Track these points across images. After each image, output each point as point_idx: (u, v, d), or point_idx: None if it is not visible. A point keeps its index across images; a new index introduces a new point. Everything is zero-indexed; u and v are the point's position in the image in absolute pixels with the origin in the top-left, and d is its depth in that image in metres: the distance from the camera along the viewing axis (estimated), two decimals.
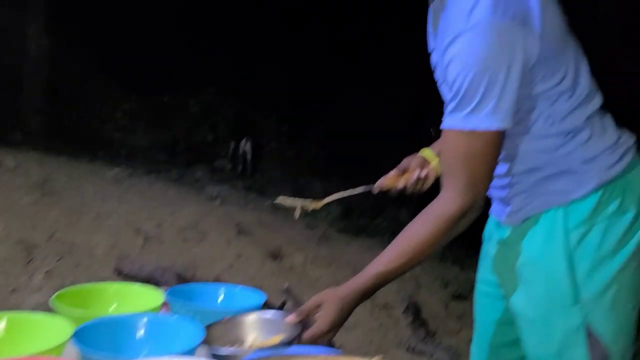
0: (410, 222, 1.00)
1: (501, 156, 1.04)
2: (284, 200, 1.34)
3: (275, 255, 3.14)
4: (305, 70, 6.49)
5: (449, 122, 0.96)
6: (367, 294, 0.99)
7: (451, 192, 0.97)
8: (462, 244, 4.44)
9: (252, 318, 1.02)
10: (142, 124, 5.91)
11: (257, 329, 1.00)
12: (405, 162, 1.22)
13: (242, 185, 4.84)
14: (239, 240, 3.13)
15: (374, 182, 1.27)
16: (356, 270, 3.18)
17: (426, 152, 1.22)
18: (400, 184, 1.21)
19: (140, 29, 5.96)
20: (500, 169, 1.07)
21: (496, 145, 0.95)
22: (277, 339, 0.97)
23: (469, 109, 0.93)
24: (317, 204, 1.30)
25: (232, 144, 5.69)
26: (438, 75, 1.02)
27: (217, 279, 2.73)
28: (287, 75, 6.50)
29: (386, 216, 5.09)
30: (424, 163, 1.20)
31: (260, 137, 6.00)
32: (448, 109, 0.96)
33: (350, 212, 4.78)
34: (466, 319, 3.04)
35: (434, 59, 1.03)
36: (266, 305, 1.20)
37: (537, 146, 1.03)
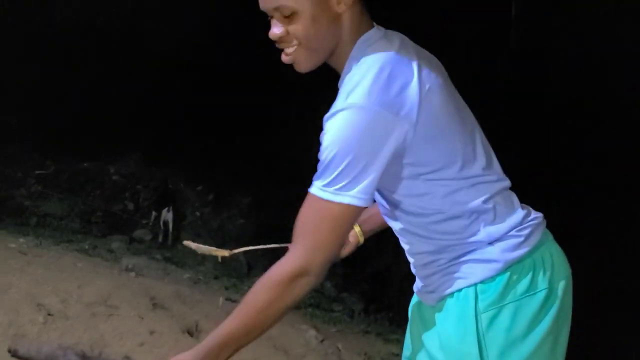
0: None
1: (414, 236, 1.05)
2: (190, 244, 1.34)
3: (191, 332, 2.98)
4: (232, 140, 6.49)
5: (311, 187, 1.00)
6: (211, 356, 1.00)
7: (289, 255, 1.00)
8: (387, 316, 4.42)
9: None
10: (57, 191, 5.62)
11: None
12: None
13: (161, 257, 4.64)
14: (153, 315, 2.95)
15: None
16: (277, 345, 3.06)
17: None
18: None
19: (58, 90, 5.81)
20: (415, 248, 1.05)
21: (346, 220, 0.99)
22: None
23: (327, 180, 0.97)
24: (226, 253, 1.32)
25: (154, 214, 5.50)
26: None
27: (126, 358, 2.54)
28: (214, 144, 6.47)
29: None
30: None
31: (184, 206, 5.85)
32: (315, 175, 1.00)
33: None
34: None
35: None
36: None
37: (443, 228, 1.04)
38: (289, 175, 6.31)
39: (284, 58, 1.06)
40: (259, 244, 1.55)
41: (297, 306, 4.43)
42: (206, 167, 6.34)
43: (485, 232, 1.02)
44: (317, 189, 0.99)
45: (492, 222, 1.02)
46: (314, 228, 0.99)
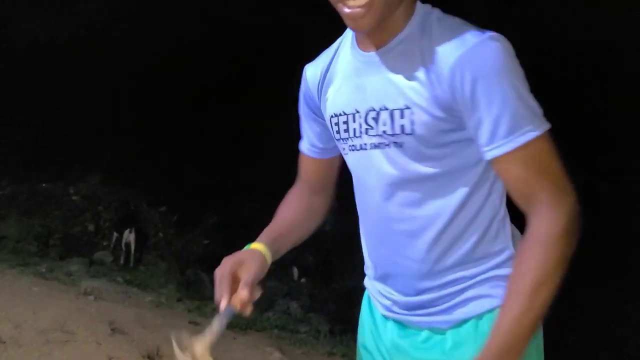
0: (516, 263, 0.86)
1: (455, 225, 0.92)
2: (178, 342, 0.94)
3: (152, 357, 2.88)
4: (196, 160, 6.42)
5: (510, 143, 0.84)
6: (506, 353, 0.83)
7: (549, 214, 0.84)
8: (352, 337, 4.40)
9: None
10: (14, 213, 5.44)
11: None
12: (251, 271, 0.97)
13: (122, 280, 4.52)
14: (112, 340, 2.85)
15: None
16: None
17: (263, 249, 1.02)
18: (257, 295, 0.99)
19: (16, 109, 5.65)
20: (447, 249, 0.92)
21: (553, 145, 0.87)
22: None
23: (528, 115, 0.84)
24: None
25: (115, 235, 5.37)
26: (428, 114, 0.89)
27: None
28: (178, 164, 6.39)
29: (276, 310, 4.95)
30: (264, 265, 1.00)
31: (146, 227, 5.73)
32: (501, 129, 0.84)
33: None
34: None
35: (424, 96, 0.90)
36: None
37: (489, 213, 0.94)
38: (254, 194, 6.28)
39: (350, 12, 0.88)
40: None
41: (263, 327, 4.33)
42: (169, 188, 6.25)
43: (512, 241, 0.93)
44: (530, 132, 0.84)
45: (512, 233, 0.94)
46: (548, 171, 0.85)
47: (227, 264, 0.96)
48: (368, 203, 0.99)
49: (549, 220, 0.84)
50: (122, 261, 5.19)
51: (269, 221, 1.13)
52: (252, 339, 3.72)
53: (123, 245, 5.26)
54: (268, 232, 1.06)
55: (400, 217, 0.94)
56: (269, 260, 1.00)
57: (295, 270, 5.66)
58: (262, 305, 4.99)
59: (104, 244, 5.48)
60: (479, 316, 0.91)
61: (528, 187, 0.86)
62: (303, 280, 5.59)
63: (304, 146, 1.10)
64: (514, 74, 0.84)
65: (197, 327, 3.62)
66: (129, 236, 5.27)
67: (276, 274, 5.82)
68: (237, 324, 4.12)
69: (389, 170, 0.93)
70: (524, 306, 0.82)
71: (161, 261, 5.46)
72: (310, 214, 1.12)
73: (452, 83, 0.85)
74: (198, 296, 4.69)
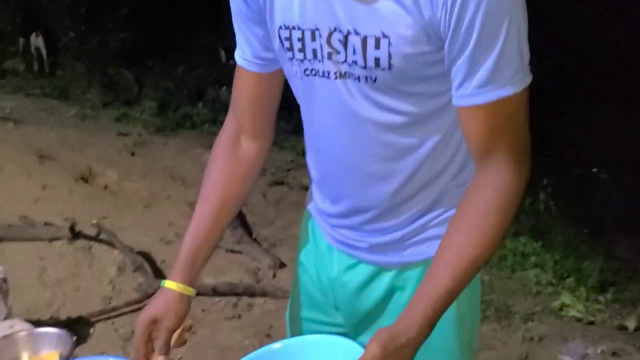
0: (469, 205, 0.77)
1: (438, 158, 0.82)
2: None
3: (86, 178, 3.04)
4: None
5: (482, 95, 0.72)
6: (425, 328, 0.74)
7: (505, 172, 0.76)
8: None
9: (24, 334, 1.06)
10: None
11: (30, 345, 1.05)
12: (166, 330, 0.85)
13: (40, 92, 4.41)
14: (42, 169, 2.96)
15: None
16: (173, 178, 3.21)
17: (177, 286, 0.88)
18: (182, 343, 0.89)
19: None
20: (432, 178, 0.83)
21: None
22: (53, 355, 1.03)
23: (514, 64, 0.72)
24: None
25: (22, 40, 5.05)
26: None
27: (24, 218, 2.62)
28: None
29: (206, 100, 5.00)
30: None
31: (54, 28, 5.37)
32: (478, 76, 0.72)
33: (167, 105, 4.62)
34: (283, 205, 3.25)
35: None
36: None
37: (462, 147, 0.83)
38: None
39: None
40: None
41: (193, 125, 4.41)
42: None
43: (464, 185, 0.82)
44: (508, 86, 0.72)
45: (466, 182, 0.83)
46: (515, 131, 0.75)
47: (139, 326, 0.84)
48: (327, 143, 0.84)
49: (506, 179, 0.76)
50: (36, 68, 4.99)
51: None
52: (183, 141, 3.87)
53: (33, 50, 4.99)
54: (187, 250, 0.89)
55: (367, 161, 0.82)
56: (190, 291, 0.88)
57: (223, 53, 5.57)
58: (192, 97, 5.03)
59: (12, 49, 5.18)
60: (428, 260, 0.81)
61: (489, 143, 0.76)
62: (232, 62, 5.56)
63: (242, 57, 0.87)
64: (521, 9, 0.71)
65: (125, 137, 3.71)
66: (37, 40, 4.97)
67: (202, 60, 5.74)
68: (167, 126, 4.23)
69: (357, 107, 0.78)
70: (434, 277, 0.76)
71: (78, 63, 5.27)
72: (244, 178, 0.92)
73: (446, 3, 0.69)
74: (123, 97, 4.67)
